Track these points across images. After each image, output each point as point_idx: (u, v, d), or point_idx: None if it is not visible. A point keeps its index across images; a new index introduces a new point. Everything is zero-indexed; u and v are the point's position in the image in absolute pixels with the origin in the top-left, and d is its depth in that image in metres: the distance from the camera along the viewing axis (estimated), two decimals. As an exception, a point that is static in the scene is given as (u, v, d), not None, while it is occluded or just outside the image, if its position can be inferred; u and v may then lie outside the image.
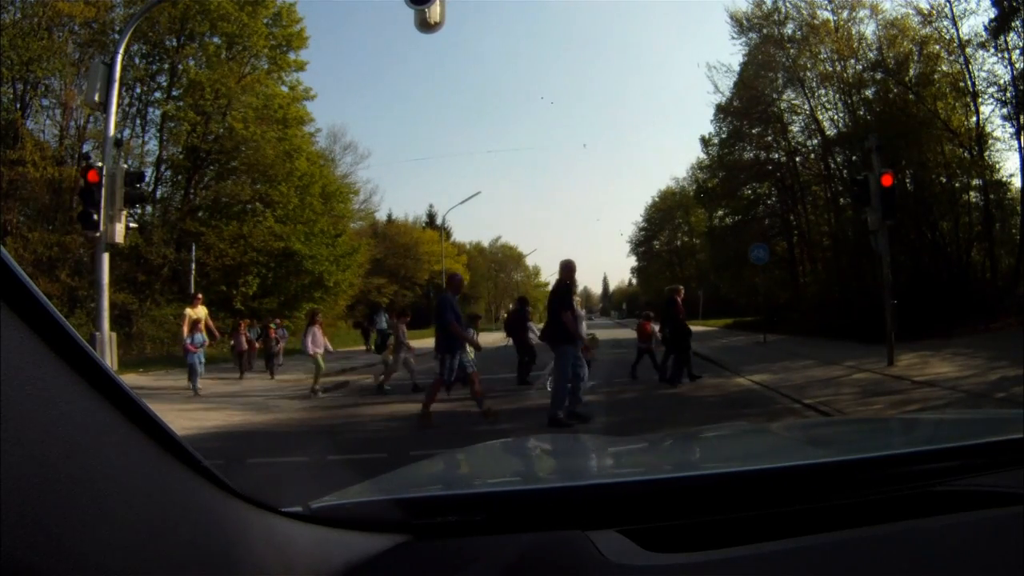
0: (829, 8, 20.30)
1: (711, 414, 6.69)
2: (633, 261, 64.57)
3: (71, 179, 17.53)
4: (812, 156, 22.72)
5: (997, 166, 17.60)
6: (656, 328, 9.78)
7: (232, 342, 13.06)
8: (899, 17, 18.73)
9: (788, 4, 20.85)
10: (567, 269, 6.62)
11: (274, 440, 6.21)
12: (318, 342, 9.24)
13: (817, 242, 23.53)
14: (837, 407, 6.28)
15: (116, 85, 8.55)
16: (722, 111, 24.51)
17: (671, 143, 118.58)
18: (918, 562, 0.76)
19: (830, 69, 20.41)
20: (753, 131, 23.52)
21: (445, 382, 6.51)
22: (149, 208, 20.83)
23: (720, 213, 27.49)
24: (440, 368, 6.52)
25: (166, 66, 21.09)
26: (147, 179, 19.52)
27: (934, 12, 17.41)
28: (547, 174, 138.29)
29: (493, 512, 0.89)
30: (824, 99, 21.33)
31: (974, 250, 17.55)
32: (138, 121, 21.07)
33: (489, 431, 5.75)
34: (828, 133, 21.23)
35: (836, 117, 21.12)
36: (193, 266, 12.73)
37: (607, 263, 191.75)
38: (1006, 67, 15.88)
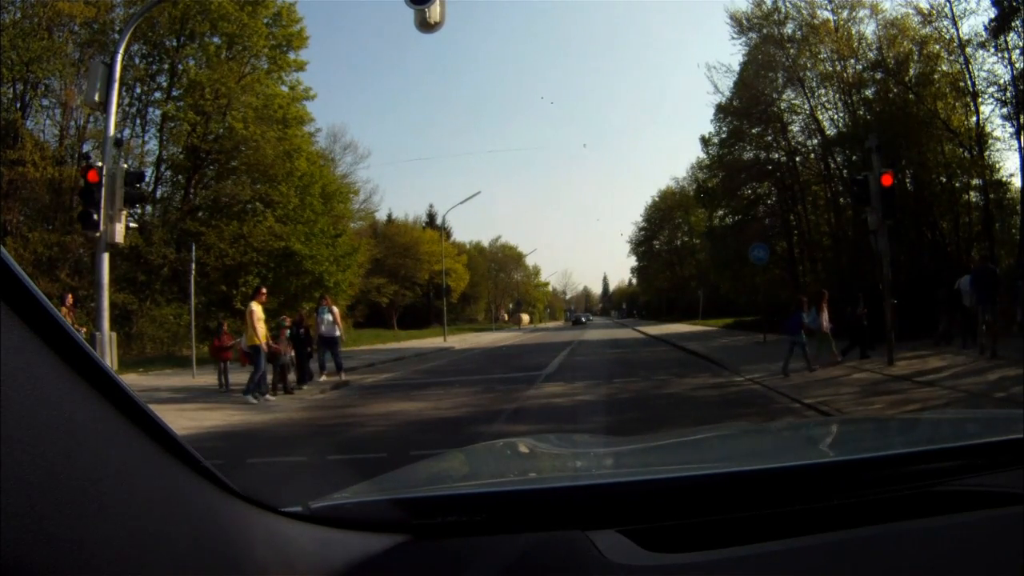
0: (829, 8, 20.33)
1: (711, 414, 6.68)
2: (633, 261, 64.72)
3: (71, 179, 17.54)
4: (812, 156, 22.70)
5: (997, 166, 17.64)
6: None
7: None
8: (899, 17, 18.78)
9: (788, 4, 20.87)
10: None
11: (274, 440, 6.21)
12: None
13: (817, 242, 23.52)
14: (837, 407, 6.28)
15: (116, 85, 8.55)
16: (722, 111, 24.47)
17: (671, 143, 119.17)
18: (918, 562, 0.76)
19: (830, 69, 20.41)
20: (753, 131, 23.49)
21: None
22: (149, 208, 20.86)
23: (720, 213, 27.45)
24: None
25: (166, 66, 21.10)
26: (147, 179, 19.55)
27: (934, 12, 17.45)
28: (547, 174, 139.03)
29: (493, 512, 0.89)
30: (824, 99, 21.36)
31: (974, 250, 17.54)
32: (138, 121, 21.11)
33: (488, 431, 5.74)
34: (828, 133, 21.22)
35: (836, 117, 21.14)
36: (193, 266, 12.67)
37: (607, 263, 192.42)
38: (1006, 67, 15.91)
